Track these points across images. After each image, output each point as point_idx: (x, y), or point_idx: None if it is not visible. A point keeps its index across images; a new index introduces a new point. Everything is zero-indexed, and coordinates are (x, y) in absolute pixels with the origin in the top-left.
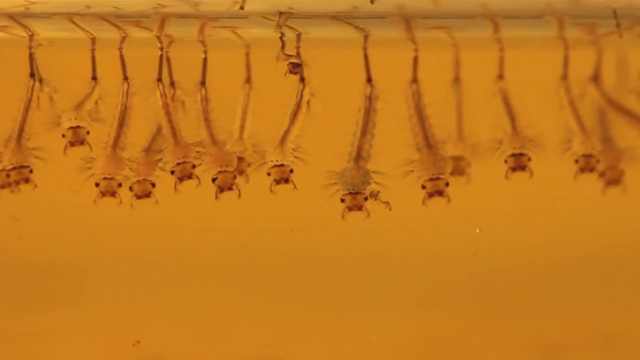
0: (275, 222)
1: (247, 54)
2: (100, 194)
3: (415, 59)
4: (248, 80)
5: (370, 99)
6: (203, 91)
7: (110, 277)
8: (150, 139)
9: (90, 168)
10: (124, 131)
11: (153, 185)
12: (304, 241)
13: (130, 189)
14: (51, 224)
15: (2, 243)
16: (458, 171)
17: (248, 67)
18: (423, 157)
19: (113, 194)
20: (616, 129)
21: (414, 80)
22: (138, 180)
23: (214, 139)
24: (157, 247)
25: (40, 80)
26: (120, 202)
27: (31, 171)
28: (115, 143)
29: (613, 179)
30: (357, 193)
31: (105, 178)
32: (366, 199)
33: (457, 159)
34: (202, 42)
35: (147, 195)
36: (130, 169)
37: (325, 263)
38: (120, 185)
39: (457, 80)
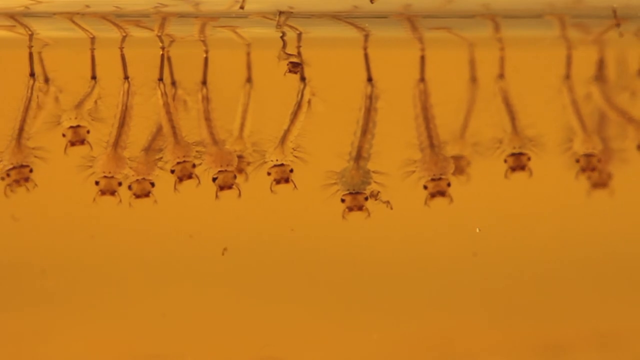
0: (275, 221)
1: (248, 54)
2: (100, 193)
3: (422, 58)
4: (249, 79)
5: (370, 99)
6: (204, 91)
7: (110, 277)
8: (151, 138)
9: (90, 167)
10: (125, 130)
11: (152, 184)
12: (304, 241)
13: (130, 188)
14: (51, 224)
15: (2, 243)
16: (458, 170)
17: (249, 66)
18: (425, 158)
19: (113, 193)
20: (613, 130)
21: (422, 79)
22: (137, 180)
23: (215, 139)
24: (157, 247)
25: (47, 80)
26: (120, 201)
27: (31, 170)
28: (116, 142)
29: (600, 182)
30: (357, 193)
31: (105, 176)
32: (366, 199)
33: (456, 159)
34: (203, 42)
35: (146, 194)
36: (130, 167)
37: (325, 263)
38: (120, 184)
39: (474, 79)
